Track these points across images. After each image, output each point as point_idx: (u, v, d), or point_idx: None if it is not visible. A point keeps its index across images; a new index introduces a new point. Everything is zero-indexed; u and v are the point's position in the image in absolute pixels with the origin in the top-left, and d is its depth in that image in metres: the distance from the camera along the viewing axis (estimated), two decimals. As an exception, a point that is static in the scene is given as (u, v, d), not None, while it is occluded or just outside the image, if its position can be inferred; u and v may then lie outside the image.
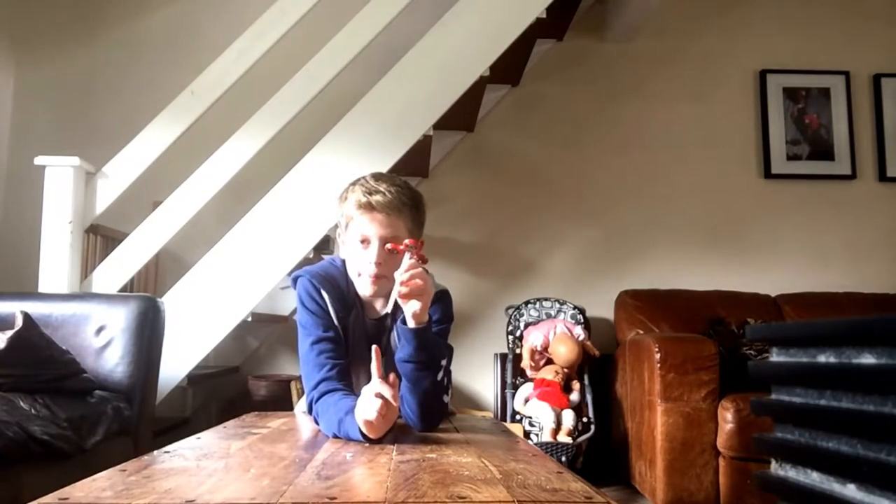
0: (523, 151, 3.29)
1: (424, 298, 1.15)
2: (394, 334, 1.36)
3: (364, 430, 1.06)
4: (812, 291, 3.06)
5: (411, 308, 1.15)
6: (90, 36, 3.26)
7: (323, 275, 1.34)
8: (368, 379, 1.35)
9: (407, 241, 1.19)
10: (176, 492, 0.73)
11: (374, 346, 1.09)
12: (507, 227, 3.24)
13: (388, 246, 1.25)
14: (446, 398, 1.28)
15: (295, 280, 1.37)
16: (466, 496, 0.71)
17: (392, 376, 1.07)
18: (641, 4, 3.04)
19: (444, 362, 1.25)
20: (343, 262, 1.38)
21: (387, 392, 1.03)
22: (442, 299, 1.35)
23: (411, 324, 1.17)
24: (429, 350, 1.20)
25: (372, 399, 1.04)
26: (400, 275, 1.13)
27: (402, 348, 1.20)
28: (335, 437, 1.14)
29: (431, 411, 1.24)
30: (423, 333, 1.18)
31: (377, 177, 1.32)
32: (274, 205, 2.46)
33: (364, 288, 1.31)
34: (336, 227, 1.38)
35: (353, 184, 1.32)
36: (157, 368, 2.03)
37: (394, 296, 1.17)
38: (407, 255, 1.16)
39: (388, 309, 1.37)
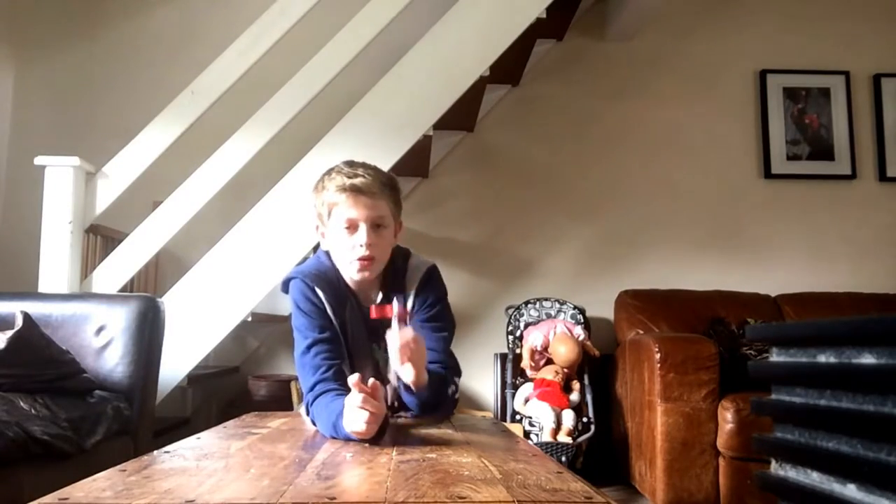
0: (523, 151, 3.29)
1: (418, 363, 1.18)
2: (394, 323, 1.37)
3: (356, 438, 1.07)
4: (812, 291, 3.06)
5: (407, 374, 1.17)
6: (90, 36, 3.26)
7: (315, 273, 1.34)
8: (373, 371, 1.35)
9: (397, 309, 1.17)
10: (176, 492, 0.73)
11: (356, 375, 1.07)
12: (507, 227, 3.24)
13: (373, 315, 1.24)
14: (452, 388, 1.32)
15: (286, 283, 1.36)
16: (466, 496, 0.71)
17: (372, 381, 1.06)
18: (641, 4, 3.04)
19: (451, 390, 1.29)
20: (328, 255, 1.37)
21: (370, 405, 1.04)
22: (430, 279, 1.37)
23: (412, 385, 1.20)
24: (433, 393, 1.24)
25: (357, 411, 1.04)
26: (393, 344, 1.15)
27: (406, 397, 1.25)
28: (333, 437, 1.14)
29: (436, 411, 1.30)
30: (426, 390, 1.22)
31: (350, 163, 1.33)
32: (274, 205, 2.46)
33: (354, 272, 1.30)
34: (317, 221, 1.37)
35: (328, 173, 1.32)
36: (157, 368, 2.03)
37: (392, 360, 1.18)
38: (395, 321, 1.17)
39: (381, 297, 1.37)
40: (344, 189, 1.27)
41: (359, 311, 1.35)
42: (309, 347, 1.28)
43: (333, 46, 2.45)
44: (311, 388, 1.24)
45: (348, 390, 1.24)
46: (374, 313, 1.23)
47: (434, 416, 1.30)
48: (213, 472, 0.83)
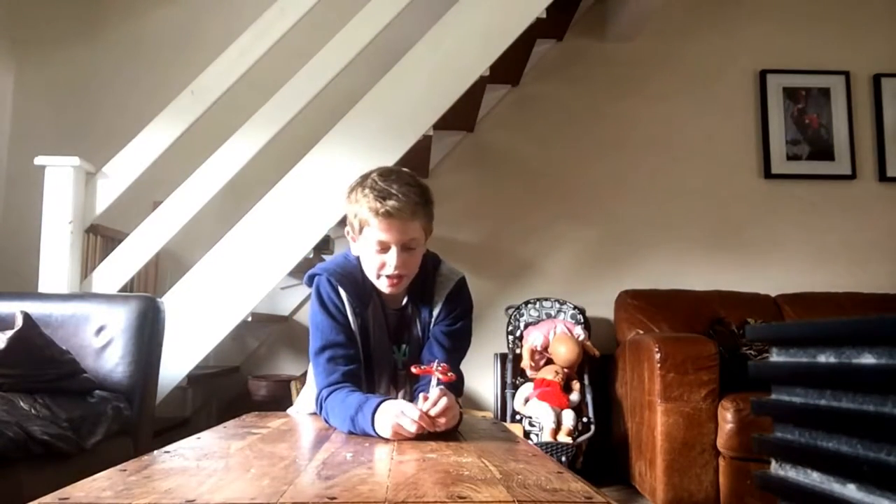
0: (523, 151, 3.29)
1: (450, 424, 1.16)
2: (417, 324, 1.37)
3: (387, 436, 1.09)
4: (812, 291, 3.06)
5: (439, 430, 1.16)
6: (90, 36, 3.26)
7: (341, 272, 1.33)
8: (390, 373, 1.36)
9: (438, 369, 1.17)
10: (176, 492, 0.73)
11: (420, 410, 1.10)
12: (507, 227, 3.24)
13: (414, 369, 1.24)
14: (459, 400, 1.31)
15: (311, 278, 1.35)
16: (466, 496, 0.71)
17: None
18: (641, 4, 3.04)
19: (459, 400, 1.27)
20: (356, 256, 1.37)
21: (424, 422, 1.08)
22: (460, 292, 1.37)
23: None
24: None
25: (406, 420, 1.07)
26: (430, 409, 1.11)
27: None
28: (350, 432, 1.16)
29: None
30: None
31: (385, 175, 1.26)
32: (274, 205, 2.46)
33: (383, 287, 1.31)
34: (345, 223, 1.36)
35: (362, 185, 1.26)
36: (157, 368, 2.02)
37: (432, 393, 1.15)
38: (434, 381, 1.15)
39: (406, 300, 1.38)
40: (376, 213, 1.22)
41: (381, 311, 1.36)
42: (325, 349, 1.28)
43: (333, 46, 2.45)
44: (327, 386, 1.25)
45: (359, 390, 1.26)
46: (416, 371, 1.24)
47: None
48: (213, 472, 0.83)
